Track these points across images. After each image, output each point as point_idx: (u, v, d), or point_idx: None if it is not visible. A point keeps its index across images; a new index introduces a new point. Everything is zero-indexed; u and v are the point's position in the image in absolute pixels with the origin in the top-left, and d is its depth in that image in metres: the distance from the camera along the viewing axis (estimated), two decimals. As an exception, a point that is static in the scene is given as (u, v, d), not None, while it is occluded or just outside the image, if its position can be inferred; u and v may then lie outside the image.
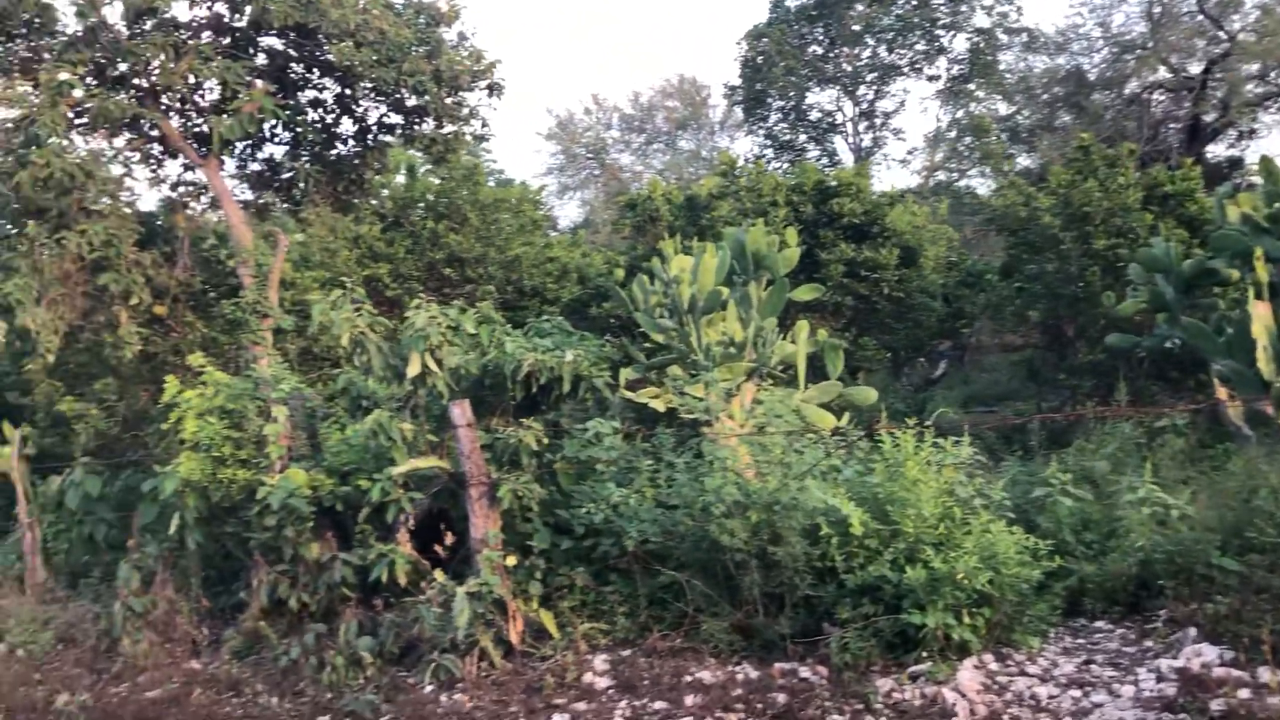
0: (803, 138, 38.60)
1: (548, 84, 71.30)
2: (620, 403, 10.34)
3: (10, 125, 11.44)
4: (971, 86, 36.87)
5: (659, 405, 9.98)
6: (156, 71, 11.88)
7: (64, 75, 10.99)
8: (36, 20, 11.66)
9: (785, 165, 35.71)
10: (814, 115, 38.58)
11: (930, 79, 37.73)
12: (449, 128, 13.39)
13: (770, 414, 8.70)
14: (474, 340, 9.96)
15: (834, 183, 18.38)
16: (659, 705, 7.11)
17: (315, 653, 8.51)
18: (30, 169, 10.52)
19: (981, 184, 36.79)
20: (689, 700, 7.06)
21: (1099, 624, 8.02)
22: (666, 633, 8.09)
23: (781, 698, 6.94)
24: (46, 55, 11.74)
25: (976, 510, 7.75)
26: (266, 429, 9.63)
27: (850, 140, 38.72)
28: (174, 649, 9.51)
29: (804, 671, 7.34)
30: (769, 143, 38.50)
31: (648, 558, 8.35)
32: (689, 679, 7.41)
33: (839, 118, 38.80)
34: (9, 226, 11.51)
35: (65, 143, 11.23)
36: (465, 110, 13.24)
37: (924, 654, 7.18)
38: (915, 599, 7.22)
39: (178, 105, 12.65)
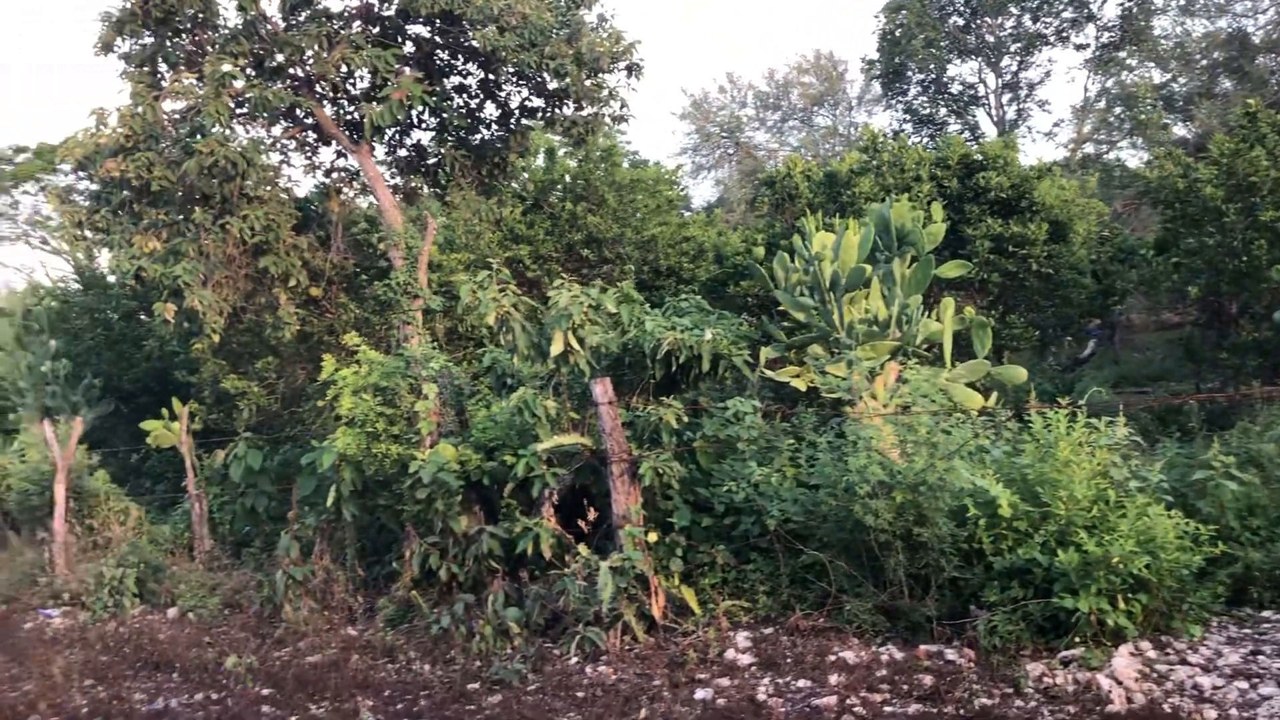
0: (943, 111, 37.56)
1: (682, 63, 71.12)
2: (759, 382, 10.32)
3: (178, 116, 12.08)
4: (1123, 54, 35.25)
5: (799, 384, 9.92)
6: (311, 61, 12.35)
7: (226, 67, 11.53)
8: (200, 15, 12.24)
9: (924, 140, 34.84)
10: (955, 88, 37.51)
11: (1078, 47, 36.22)
12: (588, 110, 13.53)
13: (916, 393, 8.56)
14: (614, 319, 10.08)
15: (980, 156, 17.84)
16: (802, 683, 7.11)
17: (464, 622, 8.80)
18: (196, 157, 11.09)
19: (1133, 156, 35.22)
20: (833, 679, 7.03)
21: (1266, 613, 7.64)
22: (809, 612, 8.07)
23: (928, 679, 6.85)
24: (209, 48, 12.32)
25: (1132, 493, 7.47)
26: (417, 406, 9.96)
27: (993, 113, 37.53)
28: (331, 616, 9.94)
29: (950, 654, 7.22)
30: (908, 117, 37.60)
31: (789, 537, 8.34)
32: (832, 658, 7.38)
33: (981, 90, 37.64)
34: (177, 213, 12.13)
35: (228, 132, 11.80)
36: (605, 92, 13.37)
37: (1076, 639, 6.97)
38: (1067, 583, 7.01)
39: (330, 94, 13.14)
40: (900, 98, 37.81)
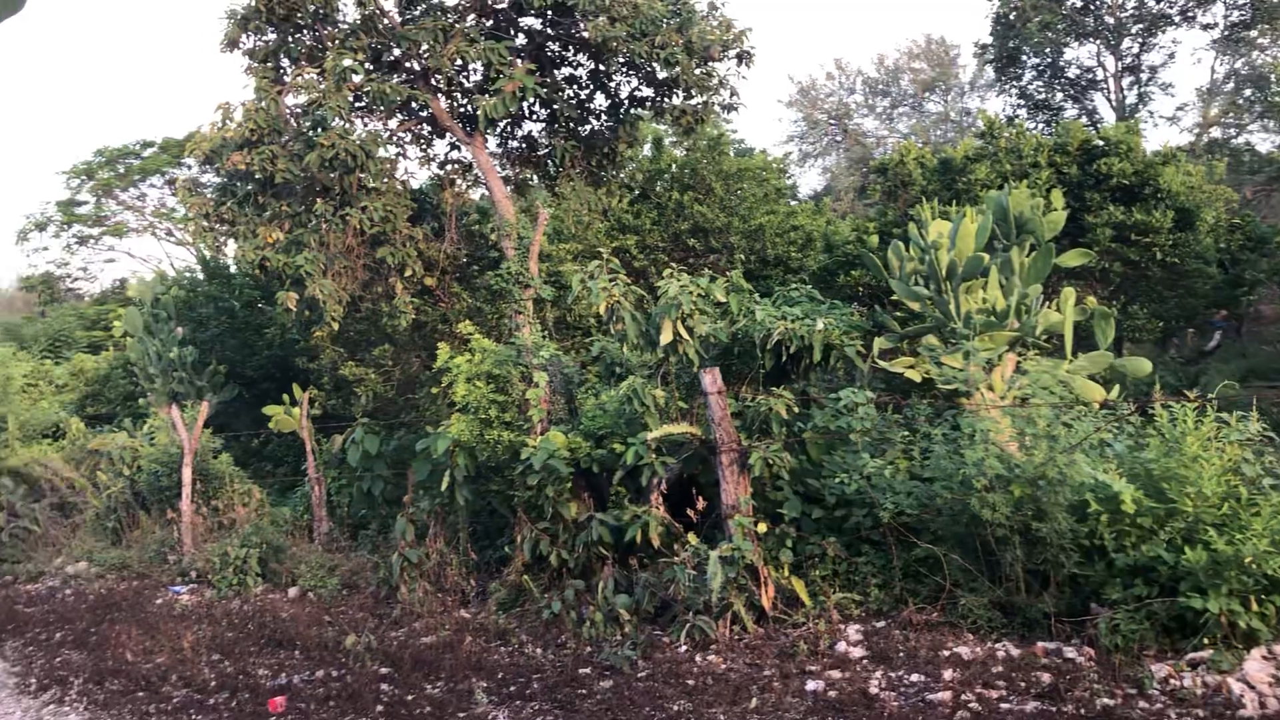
0: (1059, 96, 36.42)
1: (789, 50, 70.38)
2: (870, 372, 10.19)
3: (299, 110, 12.45)
4: (1253, 33, 33.66)
5: (914, 375, 9.75)
6: (426, 55, 12.59)
7: (346, 62, 11.83)
8: (321, 11, 12.58)
9: (1040, 125, 33.85)
10: (1072, 72, 36.33)
11: (1204, 27, 34.70)
12: (698, 99, 13.50)
13: (1035, 385, 8.34)
14: (723, 309, 10.05)
15: (1101, 142, 17.27)
16: (915, 678, 7.00)
17: (575, 607, 8.91)
18: (318, 150, 11.42)
19: (1264, 139, 33.63)
20: (947, 674, 6.91)
21: None
22: (922, 606, 7.95)
23: (1046, 677, 6.68)
24: (329, 44, 12.65)
25: (1265, 490, 7.16)
26: (528, 393, 10.10)
27: (1112, 97, 36.24)
28: (445, 598, 10.15)
29: (1069, 652, 7.03)
30: (1022, 102, 36.55)
31: (902, 530, 8.22)
32: (946, 653, 7.26)
33: (1099, 73, 36.38)
34: (299, 205, 12.50)
35: (347, 125, 12.11)
36: (715, 80, 13.32)
37: (1205, 641, 6.72)
38: (1194, 582, 6.76)
39: (445, 87, 13.37)
40: (1014, 82, 36.79)
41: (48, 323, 32.80)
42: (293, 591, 11.44)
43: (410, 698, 7.73)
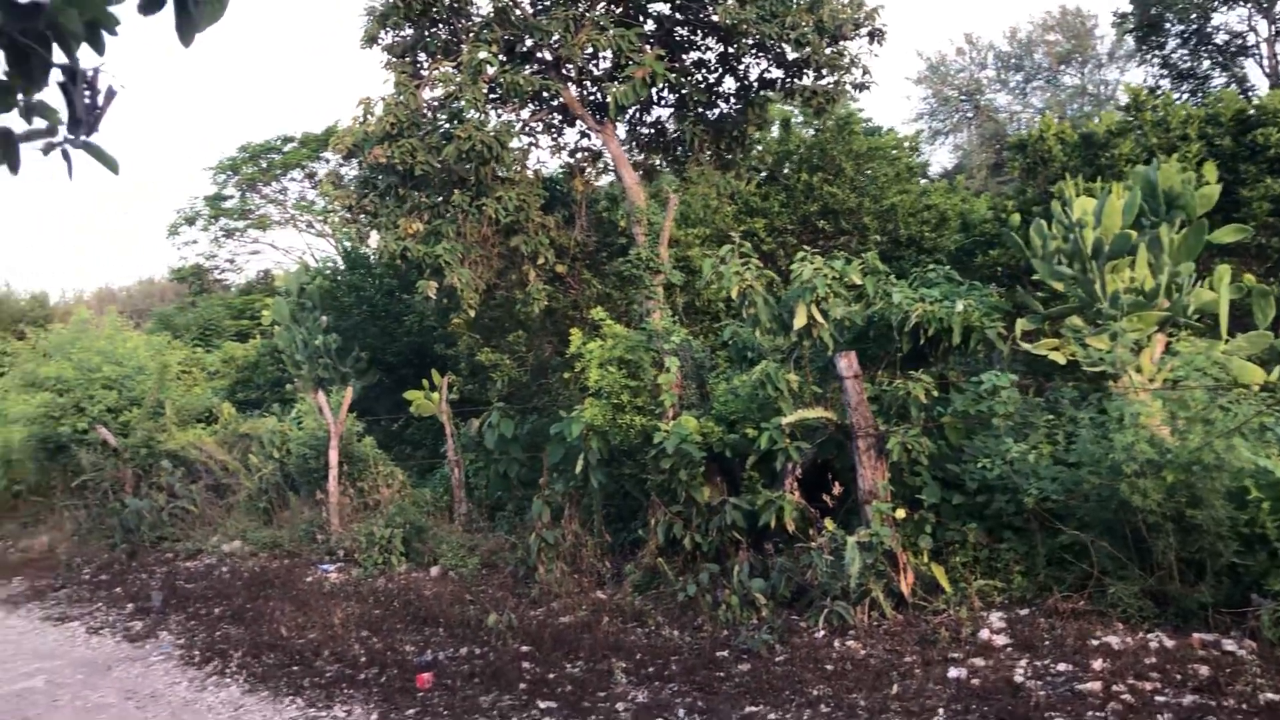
0: (1206, 64, 34.60)
1: (918, 26, 68.71)
2: (1011, 355, 9.93)
3: (436, 103, 12.76)
4: None
5: (1058, 357, 9.46)
6: (557, 44, 12.75)
7: (482, 54, 12.07)
8: (456, 5, 12.86)
9: (1184, 95, 32.27)
10: (1220, 38, 34.49)
11: (1371, -16, 32.53)
12: (829, 79, 13.34)
13: (1187, 366, 8.01)
14: (858, 291, 9.93)
15: (1255, 111, 16.36)
16: (1062, 667, 6.83)
17: (710, 591, 8.96)
18: (455, 142, 11.69)
19: None
20: (1096, 665, 6.72)
21: None
22: (1068, 594, 7.73)
23: (1204, 670, 6.44)
24: (464, 37, 12.93)
25: None
26: (660, 378, 10.17)
27: (1264, 64, 34.26)
28: (581, 579, 10.33)
29: (1228, 644, 6.76)
30: (1165, 72, 34.86)
31: (1047, 516, 8.01)
32: (1094, 643, 7.06)
33: (1251, 39, 34.44)
34: (437, 196, 12.83)
35: (482, 117, 12.36)
36: (846, 60, 13.13)
37: (1378, 636, 6.39)
38: (1367, 574, 6.43)
39: (575, 76, 13.51)
40: (1156, 51, 35.09)
41: (198, 312, 34.40)
42: (434, 570, 11.79)
43: (551, 676, 7.91)
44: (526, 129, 13.65)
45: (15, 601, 13.43)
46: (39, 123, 2.46)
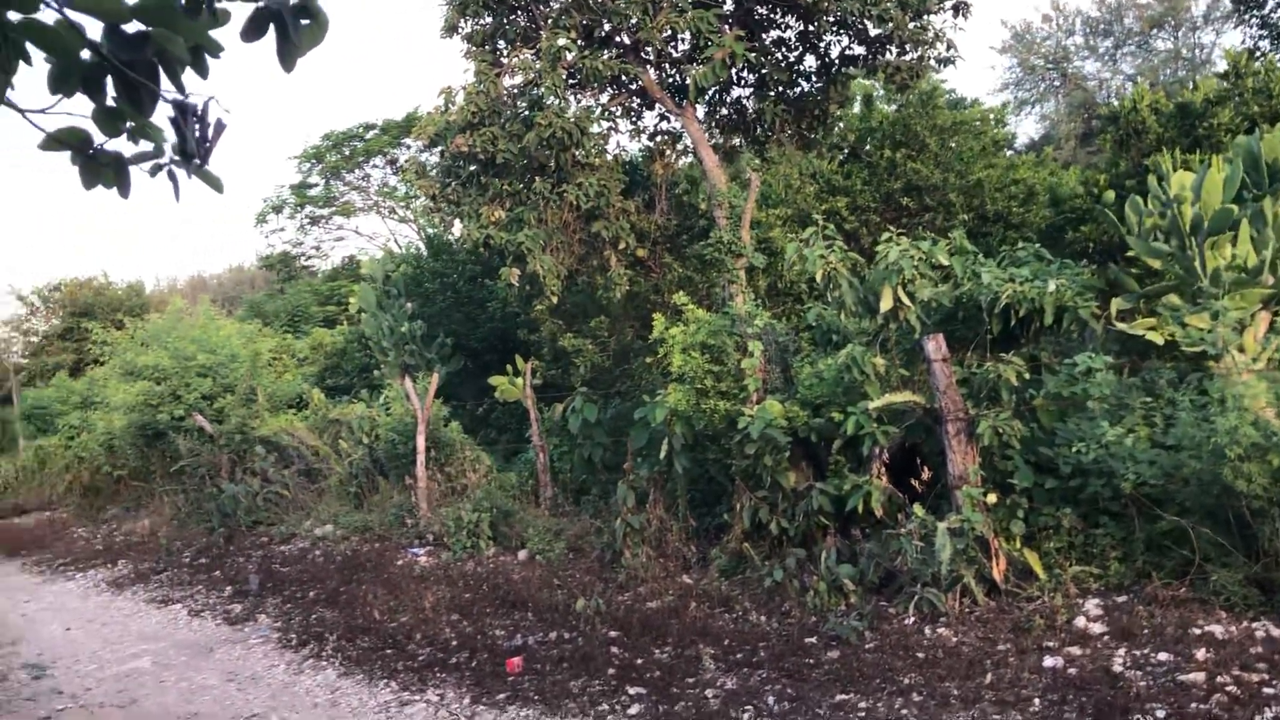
0: (1311, 23, 33.12)
1: (999, -5, 66.90)
2: (1105, 335, 9.66)
3: (516, 90, 12.82)
4: None
5: (1155, 337, 9.17)
6: (635, 28, 12.69)
7: (560, 40, 12.08)
8: (534, -9, 12.90)
9: (1288, 58, 30.94)
10: (1328, -6, 32.95)
11: None
12: (913, 54, 13.07)
13: (1295, 347, 7.73)
14: (945, 272, 9.76)
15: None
16: (1163, 657, 6.66)
17: (797, 576, 8.91)
18: (536, 129, 11.73)
19: None
20: (1199, 654, 6.53)
21: None
22: (1168, 581, 7.52)
23: (1314, 662, 6.23)
24: (543, 24, 12.95)
25: None
26: (744, 363, 10.12)
27: (1377, 20, 32.68)
28: (667, 563, 10.35)
29: (1340, 635, 6.53)
30: (1265, 33, 33.47)
31: (1145, 501, 7.79)
32: (1197, 632, 6.86)
33: (1362, -6, 32.85)
34: (518, 183, 12.91)
35: (562, 103, 12.38)
36: (930, 34, 12.85)
37: None
38: None
39: (654, 59, 13.45)
40: (1256, 11, 33.66)
41: (286, 299, 35.21)
42: (522, 554, 11.92)
43: (639, 661, 7.95)
44: (605, 113, 13.63)
45: (120, 584, 13.95)
46: (144, 145, 2.52)
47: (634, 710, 6.99)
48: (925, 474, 8.62)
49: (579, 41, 12.69)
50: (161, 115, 2.51)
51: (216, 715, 7.85)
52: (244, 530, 15.78)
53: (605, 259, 13.22)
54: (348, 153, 39.82)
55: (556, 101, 12.13)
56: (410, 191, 35.95)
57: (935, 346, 8.57)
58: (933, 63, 13.20)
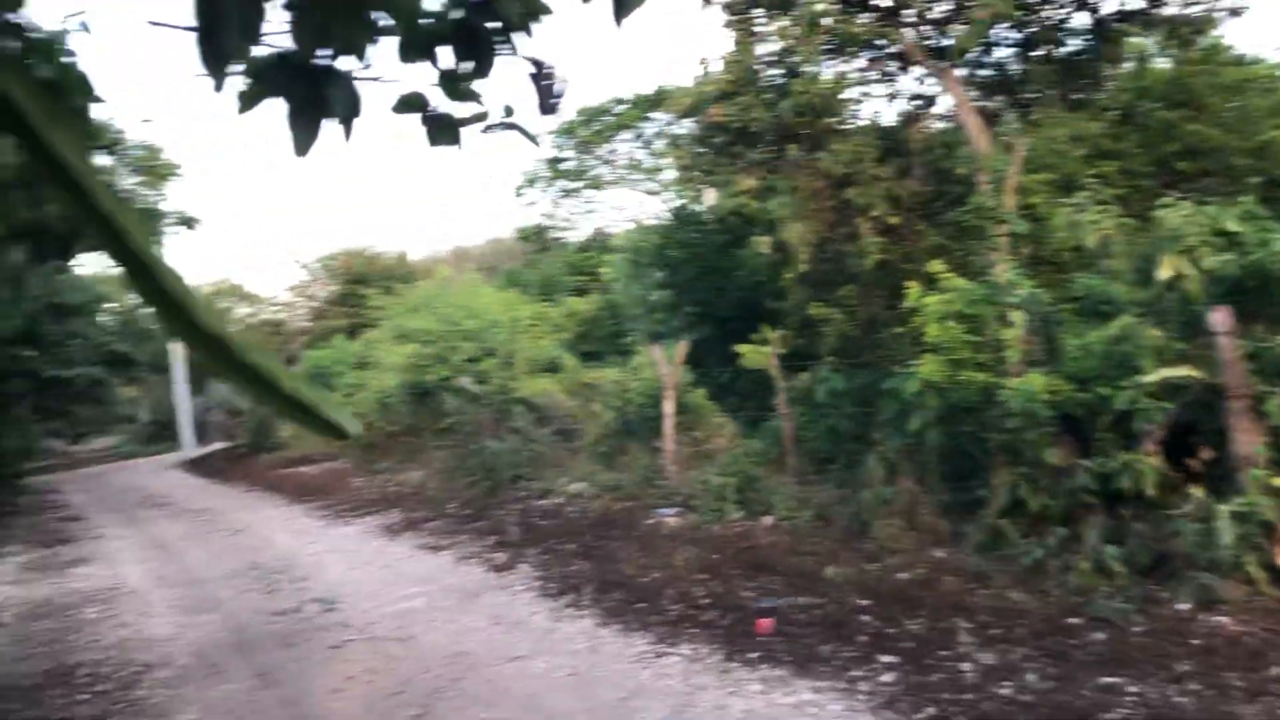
0: None
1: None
2: None
3: (772, 58, 12.82)
4: None
5: None
6: (894, -10, 12.43)
7: (819, 6, 11.99)
8: (785, -43, 12.81)
9: None
10: None
11: None
12: (1196, 6, 12.13)
13: None
14: (1231, 239, 9.07)
15: None
16: None
17: (1058, 555, 8.58)
18: (791, 97, 11.72)
19: None
20: None
21: None
22: None
23: None
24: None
25: None
26: (1004, 333, 9.79)
27: None
28: (918, 537, 10.19)
29: None
30: None
31: None
32: None
33: None
34: (771, 152, 12.94)
35: (818, 70, 12.29)
36: (1219, -18, 11.91)
37: None
38: None
39: (914, 21, 13.11)
40: None
41: (541, 269, 36.70)
42: (766, 520, 12.03)
43: (891, 631, 7.91)
44: (861, 78, 13.41)
45: (394, 531, 15.09)
46: (472, 107, 2.77)
47: (887, 678, 6.98)
48: (1202, 454, 8.09)
49: (837, 6, 12.54)
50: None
51: (484, 654, 8.40)
52: (505, 485, 16.69)
53: (856, 227, 13.06)
54: (598, 127, 40.89)
55: (813, 69, 12.05)
56: (657, 163, 36.58)
57: (1222, 318, 8.02)
58: (1223, 12, 12.20)
